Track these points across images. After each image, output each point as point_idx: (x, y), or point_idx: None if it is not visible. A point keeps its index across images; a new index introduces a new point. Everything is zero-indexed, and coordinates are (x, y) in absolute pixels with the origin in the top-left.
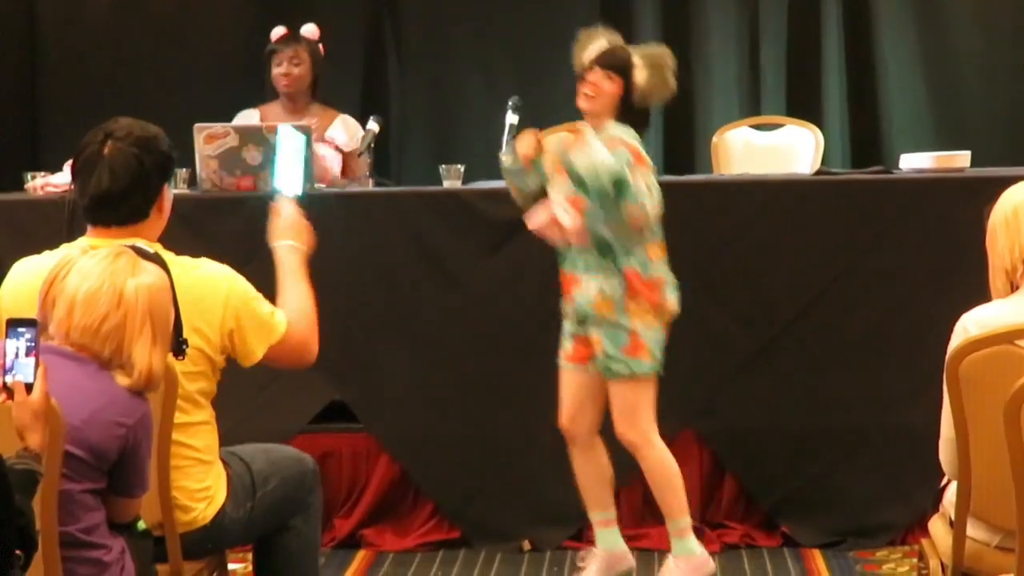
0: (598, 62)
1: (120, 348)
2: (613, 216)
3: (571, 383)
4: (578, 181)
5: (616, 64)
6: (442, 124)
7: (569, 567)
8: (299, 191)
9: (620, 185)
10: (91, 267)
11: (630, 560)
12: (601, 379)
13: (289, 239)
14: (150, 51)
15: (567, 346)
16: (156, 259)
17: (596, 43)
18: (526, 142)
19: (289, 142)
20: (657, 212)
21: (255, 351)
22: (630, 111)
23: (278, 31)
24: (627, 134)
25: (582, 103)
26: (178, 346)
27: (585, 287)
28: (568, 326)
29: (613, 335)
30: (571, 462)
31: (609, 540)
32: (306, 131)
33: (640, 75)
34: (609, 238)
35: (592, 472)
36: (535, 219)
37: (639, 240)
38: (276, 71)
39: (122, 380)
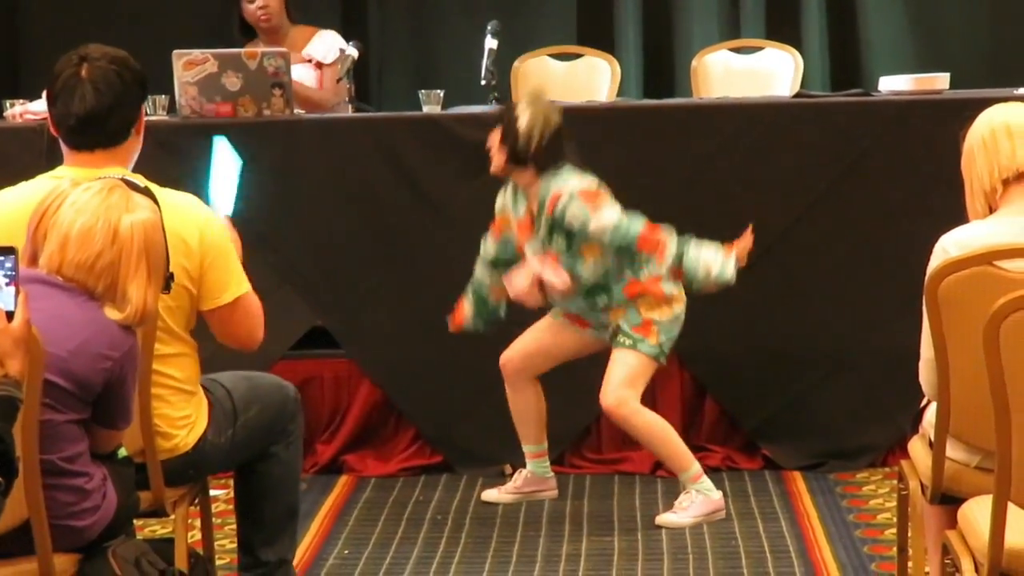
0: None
1: (114, 284)
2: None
3: (548, 330)
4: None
5: (498, 119)
6: (421, 49)
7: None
8: (230, 210)
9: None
10: (85, 201)
11: (554, 489)
12: (583, 345)
13: None
14: None
15: (571, 311)
16: (147, 193)
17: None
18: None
19: (224, 159)
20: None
21: (222, 293)
22: (531, 155)
23: None
24: (566, 177)
25: (492, 165)
26: (166, 282)
27: (593, 325)
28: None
29: (627, 317)
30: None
31: (539, 469)
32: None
33: (521, 121)
34: (598, 274)
35: (526, 408)
36: (516, 286)
37: (623, 254)
38: (250, 8)
39: (113, 314)
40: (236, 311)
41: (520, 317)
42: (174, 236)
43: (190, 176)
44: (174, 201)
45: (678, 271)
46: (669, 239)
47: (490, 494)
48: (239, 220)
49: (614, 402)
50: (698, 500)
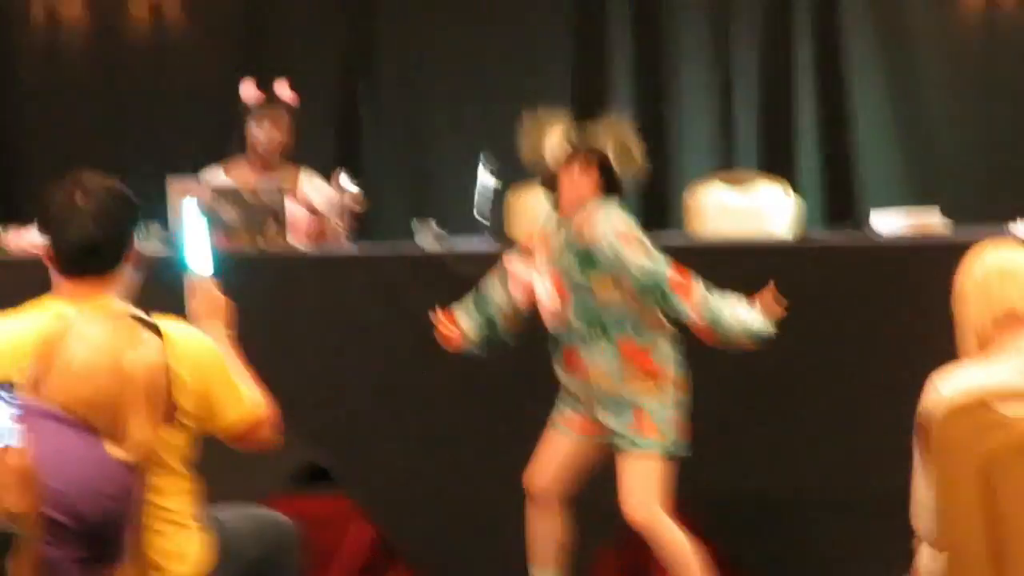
0: (574, 159)
1: (115, 420)
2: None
3: (561, 448)
4: (582, 260)
5: (591, 155)
6: (416, 177)
7: None
8: (211, 268)
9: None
10: (91, 336)
11: None
12: (591, 451)
13: (213, 320)
14: (120, 101)
15: (567, 412)
16: (153, 327)
17: (554, 135)
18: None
19: (192, 218)
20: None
21: (226, 419)
22: (609, 188)
23: (250, 88)
24: (609, 212)
25: (568, 208)
26: (168, 414)
27: (584, 363)
28: (570, 399)
29: (617, 411)
30: (527, 515)
31: None
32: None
33: (608, 155)
34: (601, 311)
35: (546, 531)
36: (518, 270)
37: (633, 310)
38: (257, 131)
39: (114, 451)
40: (245, 432)
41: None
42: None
43: (182, 305)
44: (168, 332)
45: (707, 330)
46: (696, 283)
47: None
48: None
49: (645, 518)
50: None
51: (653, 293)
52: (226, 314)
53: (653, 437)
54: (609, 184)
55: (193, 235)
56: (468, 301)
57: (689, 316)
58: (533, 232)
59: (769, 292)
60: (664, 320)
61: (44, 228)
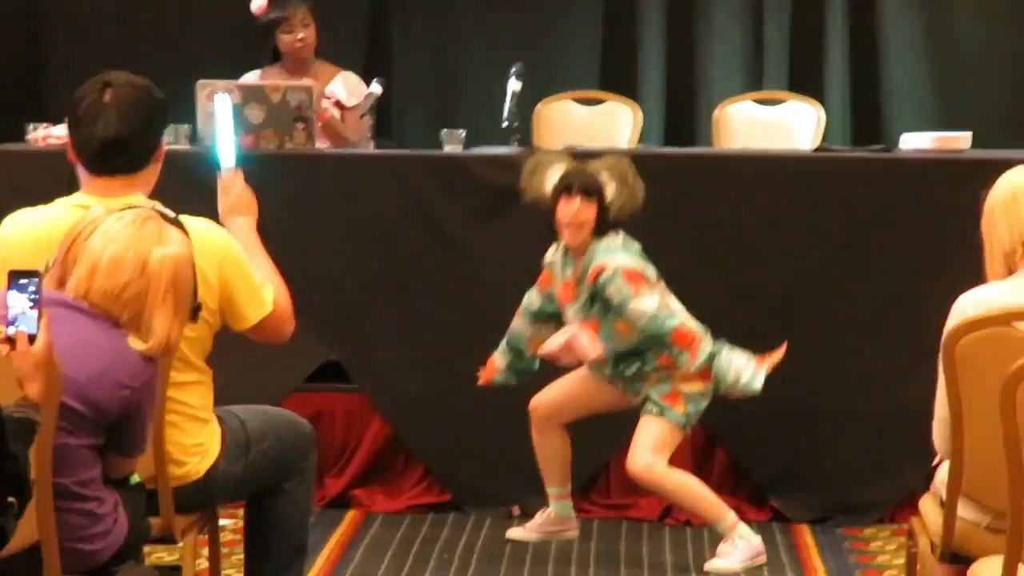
0: (578, 190)
1: (139, 315)
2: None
3: (584, 384)
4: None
5: (592, 187)
6: (444, 88)
7: None
8: (234, 160)
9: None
10: (117, 231)
11: (576, 529)
12: (613, 399)
13: (239, 214)
14: (152, 6)
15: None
16: (179, 225)
17: (554, 169)
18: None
19: (223, 112)
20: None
21: (247, 316)
22: (606, 226)
23: (259, 2)
24: (614, 248)
25: (570, 235)
26: (194, 312)
27: (627, 387)
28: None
29: (656, 384)
30: (533, 436)
31: (563, 510)
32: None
33: (609, 191)
34: (629, 347)
35: (555, 452)
36: (549, 346)
37: (643, 336)
38: (288, 37)
39: (136, 344)
40: (265, 327)
41: (549, 368)
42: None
43: (210, 206)
44: (193, 229)
45: (707, 372)
46: (704, 339)
47: (515, 532)
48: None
49: (642, 468)
50: (740, 545)
51: (655, 345)
52: (253, 207)
53: (679, 411)
54: (605, 221)
55: (223, 129)
56: (502, 342)
57: (691, 367)
58: (545, 269)
59: (781, 352)
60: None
61: (73, 125)
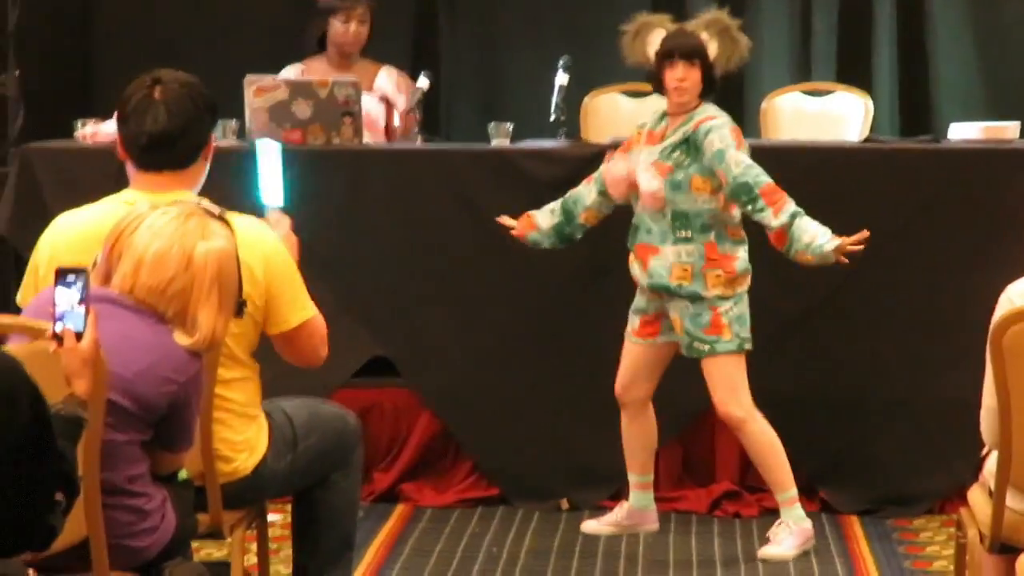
0: (680, 55)
1: (184, 310)
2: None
3: (630, 354)
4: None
5: (693, 51)
6: (492, 82)
7: None
8: (281, 201)
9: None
10: (162, 226)
11: (655, 523)
12: (662, 353)
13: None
14: (202, 1)
15: (634, 321)
16: (224, 220)
17: (655, 34)
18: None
19: (267, 153)
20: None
21: (288, 318)
22: (711, 87)
23: None
24: (720, 113)
25: (677, 98)
26: (239, 308)
27: (664, 256)
28: (638, 300)
29: (694, 315)
30: (620, 424)
31: (642, 501)
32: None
33: (712, 48)
34: (691, 210)
35: (638, 437)
36: (613, 169)
37: (722, 218)
38: (341, 27)
39: (182, 339)
40: (301, 335)
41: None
42: (240, 263)
43: (258, 201)
44: (240, 227)
45: (782, 235)
46: (789, 201)
47: (589, 525)
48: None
49: (738, 413)
50: (794, 530)
51: (743, 194)
52: (294, 251)
53: (728, 337)
54: (711, 86)
55: (266, 168)
56: (556, 202)
57: (770, 222)
58: (634, 131)
59: (861, 236)
60: (743, 233)
61: (122, 121)
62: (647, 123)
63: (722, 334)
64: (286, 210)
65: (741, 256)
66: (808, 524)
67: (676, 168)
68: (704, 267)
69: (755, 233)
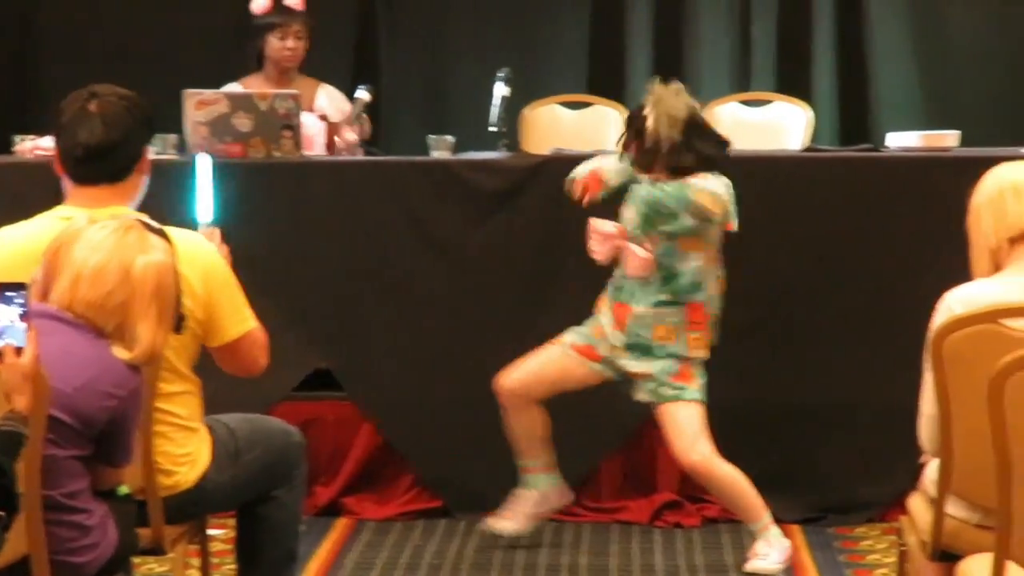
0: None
1: (124, 324)
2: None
3: (553, 361)
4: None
5: (632, 127)
6: (432, 94)
7: (548, 537)
8: (211, 217)
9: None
10: (100, 240)
11: (568, 494)
12: (587, 377)
13: None
14: (139, 18)
15: (576, 339)
16: (162, 234)
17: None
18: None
19: (203, 171)
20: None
21: (228, 330)
22: (656, 157)
23: (262, 2)
24: (705, 182)
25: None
26: (178, 322)
27: (642, 318)
28: (589, 331)
29: (665, 365)
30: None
31: (550, 482)
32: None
33: (649, 122)
34: (682, 270)
35: (532, 425)
36: (600, 227)
37: (710, 274)
38: (278, 44)
39: (121, 353)
40: (241, 347)
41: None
42: (180, 277)
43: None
44: (179, 240)
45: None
46: None
47: (503, 525)
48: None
49: (700, 459)
50: (776, 545)
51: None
52: (226, 262)
53: (695, 387)
54: (655, 157)
55: (203, 187)
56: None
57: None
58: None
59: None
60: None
61: (58, 135)
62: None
63: (690, 383)
64: (216, 223)
65: (715, 297)
66: (787, 543)
67: (663, 243)
68: (685, 328)
69: None
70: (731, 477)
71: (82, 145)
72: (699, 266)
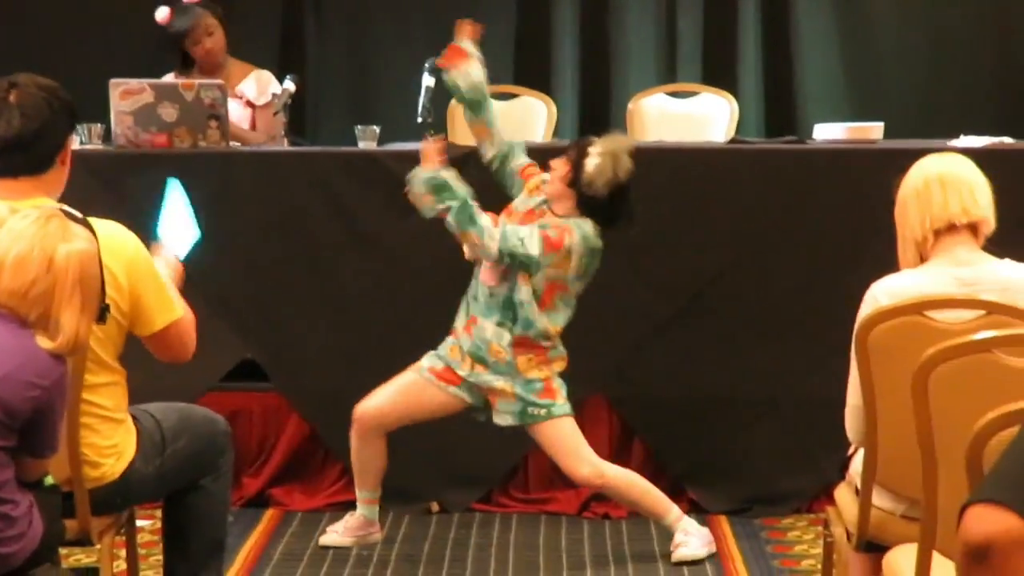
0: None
1: (47, 313)
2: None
3: (413, 389)
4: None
5: (572, 149)
6: (359, 85)
7: (477, 530)
8: (183, 254)
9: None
10: (22, 229)
11: (380, 532)
12: (446, 405)
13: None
14: (67, 4)
15: (436, 363)
16: (85, 223)
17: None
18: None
19: (177, 203)
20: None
21: (154, 320)
22: (583, 198)
23: (163, 12)
24: (574, 223)
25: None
26: (101, 313)
27: (481, 328)
28: (445, 351)
29: (526, 383)
30: (352, 442)
31: (372, 514)
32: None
33: (591, 162)
34: (520, 300)
35: (376, 458)
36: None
37: (544, 314)
38: (194, 48)
39: (45, 343)
40: (169, 335)
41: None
42: (103, 264)
43: (123, 206)
44: (101, 232)
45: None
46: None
47: (328, 538)
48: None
49: (590, 475)
50: (695, 532)
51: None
52: (176, 278)
53: (561, 401)
54: (582, 196)
55: (173, 215)
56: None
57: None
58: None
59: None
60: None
61: None
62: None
63: (556, 398)
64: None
65: (549, 332)
66: (706, 529)
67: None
68: (515, 358)
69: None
70: (627, 480)
71: (1, 138)
72: (527, 291)
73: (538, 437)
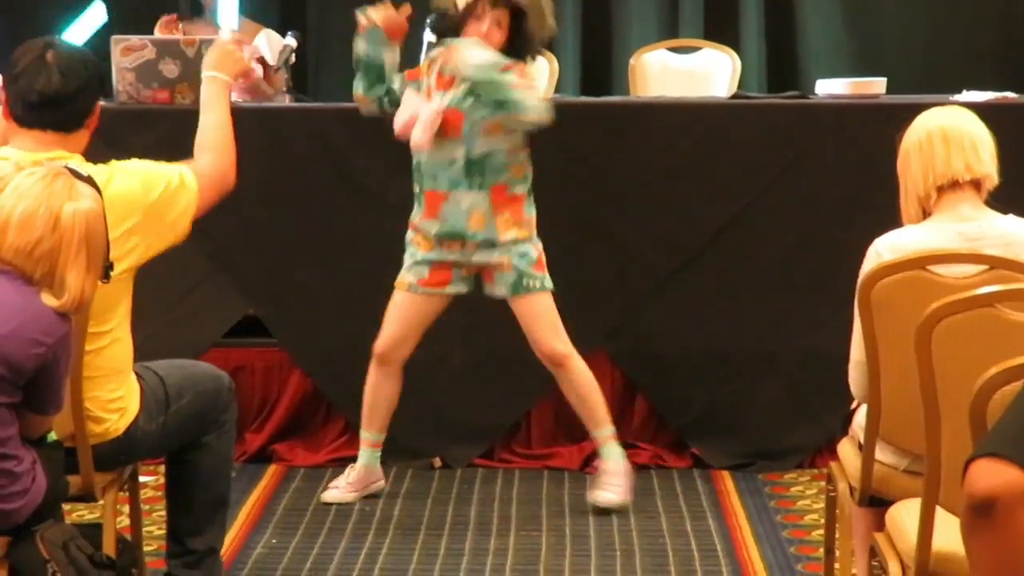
0: (486, 9)
1: (52, 271)
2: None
3: (407, 309)
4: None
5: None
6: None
7: (479, 485)
8: (235, 24)
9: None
10: (28, 187)
11: (383, 481)
12: (439, 307)
13: (213, 70)
14: None
15: (423, 272)
16: (90, 182)
17: None
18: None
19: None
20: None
21: (184, 225)
22: (513, 48)
23: None
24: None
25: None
26: (105, 271)
27: (455, 203)
28: (419, 252)
29: (521, 253)
30: (370, 378)
31: (371, 459)
32: None
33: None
34: (481, 154)
35: (389, 397)
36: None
37: (512, 159)
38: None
39: (50, 301)
40: (203, 196)
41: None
42: (112, 218)
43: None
44: (105, 178)
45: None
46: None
47: (331, 495)
48: None
49: (564, 350)
50: (617, 471)
51: (489, 87)
52: (231, 66)
53: (547, 275)
54: (519, 42)
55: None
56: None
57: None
58: (420, 68)
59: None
60: (529, 172)
61: (10, 81)
62: (436, 58)
63: (545, 272)
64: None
65: (529, 203)
66: (626, 462)
67: (464, 116)
68: (494, 213)
69: (625, 191)
70: (587, 376)
71: (38, 92)
72: (495, 143)
73: (523, 308)
